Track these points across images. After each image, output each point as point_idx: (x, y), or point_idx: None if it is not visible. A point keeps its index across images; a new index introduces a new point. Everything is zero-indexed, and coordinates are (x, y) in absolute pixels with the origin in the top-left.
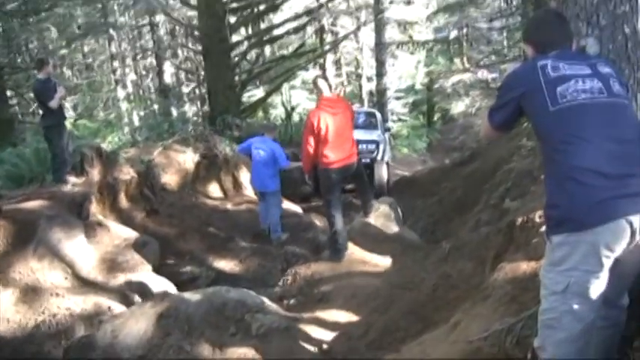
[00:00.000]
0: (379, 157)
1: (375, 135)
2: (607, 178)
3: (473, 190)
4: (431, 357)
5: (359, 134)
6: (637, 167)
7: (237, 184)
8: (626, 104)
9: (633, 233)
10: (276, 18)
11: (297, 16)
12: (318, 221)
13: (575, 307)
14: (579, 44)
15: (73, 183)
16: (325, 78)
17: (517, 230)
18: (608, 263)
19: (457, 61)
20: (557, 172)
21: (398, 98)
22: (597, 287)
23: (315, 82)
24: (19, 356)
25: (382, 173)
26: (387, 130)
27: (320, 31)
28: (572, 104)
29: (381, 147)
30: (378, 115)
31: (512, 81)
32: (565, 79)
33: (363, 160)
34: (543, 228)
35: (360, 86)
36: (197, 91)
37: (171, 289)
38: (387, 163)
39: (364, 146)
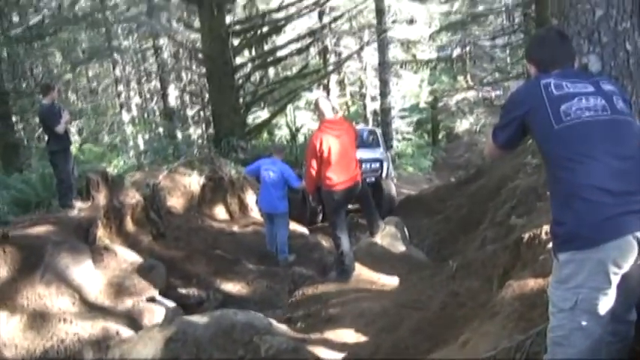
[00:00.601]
0: (384, 175)
1: (377, 153)
2: (612, 195)
3: (478, 207)
4: None
5: (361, 153)
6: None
7: (243, 206)
8: (630, 121)
9: None
10: (279, 39)
11: (300, 37)
12: (325, 242)
13: (584, 323)
14: (581, 62)
15: (79, 208)
16: (327, 99)
17: (524, 247)
18: (615, 280)
19: (461, 79)
20: (562, 190)
21: (402, 117)
22: (605, 304)
23: (316, 104)
24: None
25: (390, 190)
26: (390, 147)
27: (323, 52)
28: (575, 122)
29: (385, 165)
30: (379, 132)
31: (515, 100)
32: (568, 97)
33: (368, 180)
34: (550, 245)
35: (365, 106)
36: (202, 113)
37: (179, 312)
38: (392, 180)
39: (368, 165)
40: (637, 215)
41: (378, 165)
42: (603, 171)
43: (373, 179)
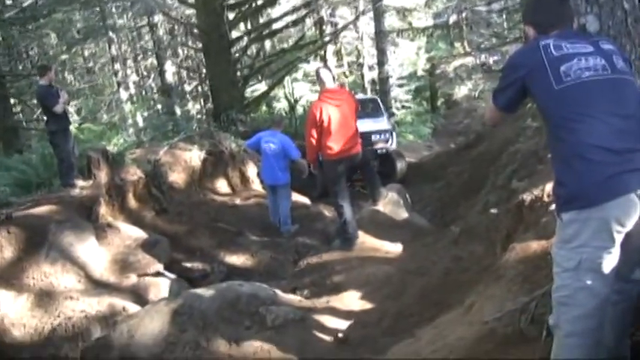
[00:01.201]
0: (394, 145)
1: (384, 123)
2: (614, 154)
3: (479, 172)
4: (447, 339)
5: (367, 124)
6: None
7: (244, 179)
8: (630, 80)
9: None
10: (274, 12)
11: (295, 9)
12: (327, 212)
13: (589, 282)
14: (579, 22)
15: (80, 186)
16: (328, 68)
17: (526, 210)
18: (619, 238)
19: (458, 45)
20: (563, 151)
21: (400, 85)
22: (610, 262)
23: (317, 73)
24: None
25: (402, 159)
26: (392, 115)
27: (319, 23)
28: (576, 82)
29: (394, 135)
30: (379, 100)
31: (515, 62)
32: (568, 57)
33: (380, 152)
34: (552, 207)
35: (362, 75)
36: (200, 88)
37: (184, 286)
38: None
39: (377, 136)
40: (639, 173)
41: (387, 135)
42: (604, 130)
43: (385, 151)
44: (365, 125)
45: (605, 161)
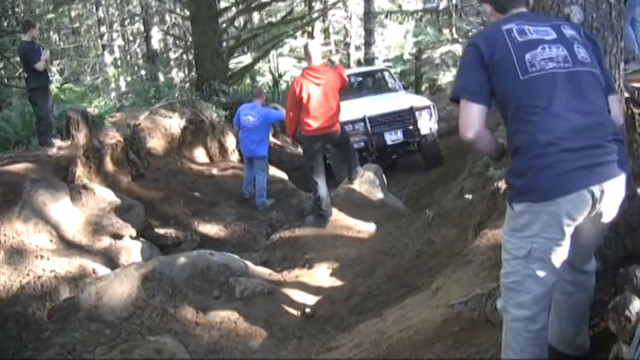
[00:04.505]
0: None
1: (404, 101)
2: (571, 151)
3: (457, 159)
4: (413, 320)
5: (397, 101)
6: (601, 138)
7: (223, 150)
8: (591, 72)
9: (594, 202)
10: None
11: None
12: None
13: (537, 271)
14: (563, 12)
15: (58, 146)
16: (317, 45)
17: (500, 198)
18: (569, 231)
19: (446, 32)
20: (521, 141)
21: None
22: (559, 254)
23: (305, 47)
24: (3, 317)
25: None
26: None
27: None
28: (540, 74)
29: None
30: (391, 72)
31: (478, 45)
32: (532, 45)
33: (427, 136)
34: None
35: (349, 55)
36: (184, 56)
37: (156, 252)
38: None
39: (422, 114)
40: (594, 169)
41: (432, 112)
42: (564, 126)
43: (432, 134)
44: (395, 102)
45: (562, 158)
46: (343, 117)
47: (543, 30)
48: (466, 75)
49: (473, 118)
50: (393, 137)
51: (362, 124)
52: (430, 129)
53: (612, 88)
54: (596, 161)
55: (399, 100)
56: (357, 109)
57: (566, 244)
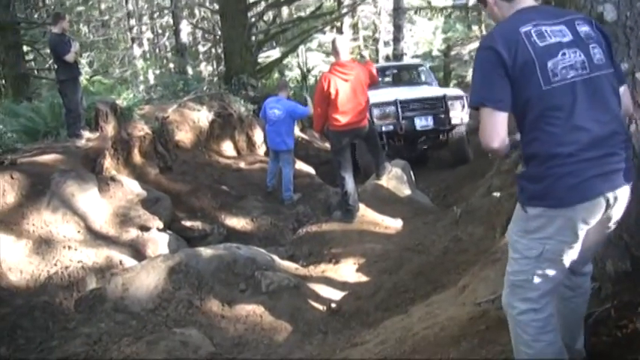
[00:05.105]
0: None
1: (452, 89)
2: (589, 161)
3: (485, 156)
4: (439, 318)
5: (432, 89)
6: (616, 146)
7: (250, 144)
8: (607, 75)
9: (608, 207)
10: None
11: None
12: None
13: (547, 270)
14: (596, 10)
15: (87, 138)
16: (345, 40)
17: None
18: (582, 235)
19: (475, 28)
20: (539, 149)
21: None
22: (570, 255)
23: (333, 43)
24: (30, 306)
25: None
26: None
27: None
28: (562, 84)
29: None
30: (427, 67)
31: (496, 47)
32: (553, 50)
33: (454, 121)
34: None
35: (377, 51)
36: (213, 50)
37: (183, 245)
38: None
39: (453, 104)
40: (609, 176)
41: (464, 103)
42: (584, 139)
43: (462, 125)
44: (426, 90)
45: (581, 167)
46: (374, 99)
47: (560, 30)
48: (488, 81)
49: (499, 127)
50: (422, 123)
51: (393, 107)
52: (461, 119)
53: (622, 79)
54: (610, 169)
55: (432, 89)
56: (390, 94)
57: (578, 245)
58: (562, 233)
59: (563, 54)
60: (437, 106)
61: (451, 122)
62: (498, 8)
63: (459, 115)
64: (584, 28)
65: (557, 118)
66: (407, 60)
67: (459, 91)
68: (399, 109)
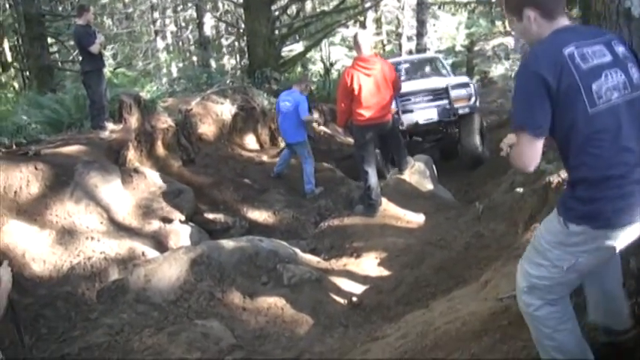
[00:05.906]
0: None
1: (461, 77)
2: (633, 184)
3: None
4: (460, 313)
5: (441, 79)
6: None
7: (273, 137)
8: None
9: None
10: None
11: None
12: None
13: (572, 279)
14: (623, 5)
15: (110, 130)
16: (366, 34)
17: (551, 192)
18: (615, 252)
19: (499, 24)
20: (591, 175)
21: None
22: (597, 266)
23: (355, 37)
24: (53, 296)
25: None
26: None
27: None
28: (607, 106)
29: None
30: (441, 59)
31: (540, 71)
32: (596, 72)
33: (461, 111)
34: None
35: (400, 45)
36: (237, 44)
37: (205, 237)
38: None
39: (457, 91)
40: None
41: (470, 90)
42: (632, 160)
43: (467, 110)
44: (434, 81)
45: (630, 190)
46: None
47: (599, 51)
48: (530, 105)
49: (536, 153)
50: (426, 116)
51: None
52: (467, 107)
53: None
54: None
55: (435, 80)
56: None
57: (609, 261)
58: (600, 250)
59: (606, 75)
60: (440, 98)
61: (457, 113)
62: (538, 26)
63: (466, 104)
64: (620, 48)
65: (605, 141)
66: (421, 54)
67: (464, 79)
68: (398, 103)
